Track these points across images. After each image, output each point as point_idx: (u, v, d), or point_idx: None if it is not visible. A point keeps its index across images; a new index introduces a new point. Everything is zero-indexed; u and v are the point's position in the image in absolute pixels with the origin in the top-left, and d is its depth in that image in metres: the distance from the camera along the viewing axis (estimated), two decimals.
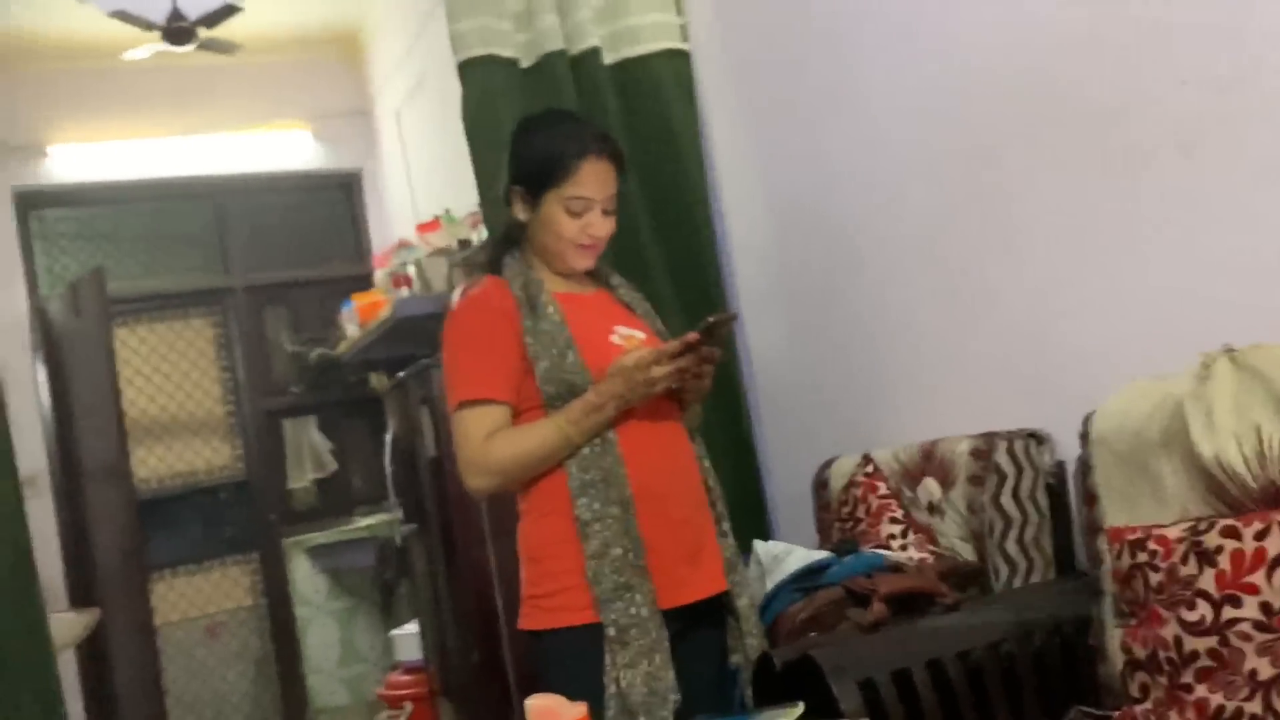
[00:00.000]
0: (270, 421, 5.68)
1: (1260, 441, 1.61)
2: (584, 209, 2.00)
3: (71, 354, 4.90)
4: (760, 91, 3.10)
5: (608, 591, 1.87)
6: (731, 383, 3.09)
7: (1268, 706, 1.46)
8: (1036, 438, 2.27)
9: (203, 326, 5.83)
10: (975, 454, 2.29)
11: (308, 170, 5.79)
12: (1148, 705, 1.60)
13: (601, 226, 2.03)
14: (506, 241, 2.10)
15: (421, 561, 3.69)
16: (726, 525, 2.06)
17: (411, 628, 4.03)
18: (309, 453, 5.71)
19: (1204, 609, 1.52)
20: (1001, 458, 2.25)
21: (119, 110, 5.34)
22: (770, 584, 2.23)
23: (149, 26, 4.68)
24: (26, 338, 5.07)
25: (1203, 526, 1.56)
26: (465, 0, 3.03)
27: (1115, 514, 1.81)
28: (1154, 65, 1.96)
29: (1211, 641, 1.51)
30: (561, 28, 3.11)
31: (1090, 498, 1.93)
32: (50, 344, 5.03)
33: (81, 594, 4.88)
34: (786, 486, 3.11)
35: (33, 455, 4.93)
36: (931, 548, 2.32)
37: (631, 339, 2.02)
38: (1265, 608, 1.47)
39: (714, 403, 2.94)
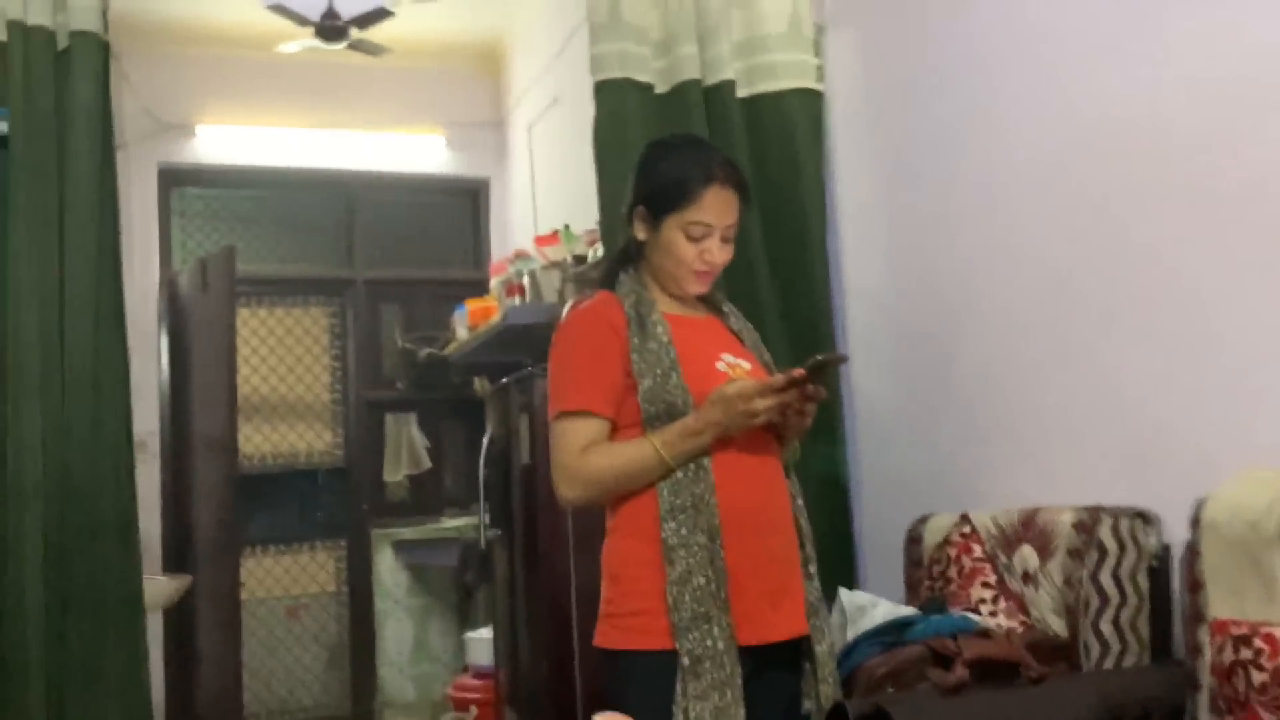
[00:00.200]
0: (373, 413, 5.81)
1: None
2: (703, 235, 2.01)
3: (195, 327, 5.08)
4: (889, 139, 3.08)
5: (686, 620, 1.86)
6: (831, 425, 3.06)
7: None
8: (1144, 517, 2.19)
9: (320, 315, 5.99)
10: (1078, 527, 2.23)
11: (437, 174, 5.93)
12: None
13: (719, 254, 2.03)
14: (623, 259, 2.12)
15: (503, 567, 3.72)
16: (814, 568, 2.03)
17: (485, 632, 4.06)
18: (406, 448, 5.82)
19: None
20: (1105, 534, 2.18)
21: (266, 99, 5.54)
22: (852, 634, 2.20)
23: (304, 22, 4.86)
24: (155, 307, 5.28)
25: None
26: (608, 24, 3.09)
27: (1221, 605, 1.74)
28: None
29: None
30: (699, 58, 3.15)
31: (1195, 585, 1.86)
32: (176, 316, 5.23)
33: (175, 559, 5.04)
34: (877, 537, 3.05)
35: (147, 420, 5.12)
36: (1022, 617, 2.26)
37: (737, 368, 2.02)
38: None
39: (811, 444, 2.92)
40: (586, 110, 3.10)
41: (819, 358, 1.88)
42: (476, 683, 4.00)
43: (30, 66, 2.68)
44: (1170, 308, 2.20)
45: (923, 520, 2.66)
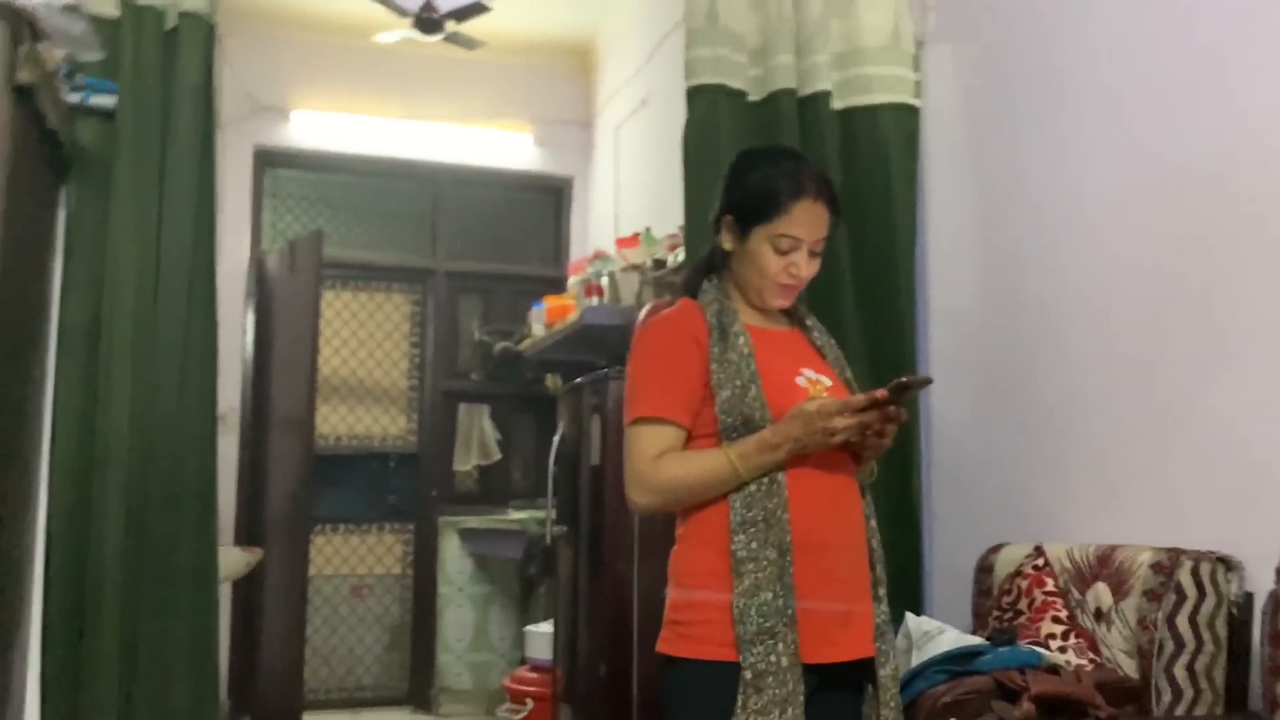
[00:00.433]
0: (447, 402, 5.88)
1: None
2: (791, 248, 1.99)
3: (280, 307, 5.18)
4: (985, 160, 3.03)
5: (751, 633, 1.84)
6: (908, 448, 3.01)
7: None
8: (1226, 563, 2.14)
9: (402, 302, 6.08)
10: (1156, 568, 2.17)
11: (523, 171, 5.98)
12: None
13: (806, 268, 2.02)
14: (708, 267, 2.11)
15: (567, 564, 3.74)
16: (883, 590, 2.00)
17: (546, 627, 4.08)
18: (478, 439, 5.88)
19: None
20: (1185, 577, 2.13)
21: (360, 86, 5.64)
22: (916, 659, 2.17)
23: (403, 13, 4.93)
24: (243, 285, 5.39)
25: None
26: (706, 29, 3.08)
27: None
28: None
29: None
30: (796, 67, 3.13)
31: (1277, 637, 1.80)
32: (263, 294, 5.35)
33: (248, 533, 5.15)
34: (947, 564, 3.01)
35: (228, 395, 5.22)
36: (1092, 656, 2.21)
37: (818, 383, 2.00)
38: None
39: (886, 466, 2.88)
40: (675, 114, 3.10)
41: (903, 379, 1.85)
42: (534, 676, 4.02)
43: (139, 45, 2.74)
44: (1268, 350, 2.13)
45: (995, 550, 2.62)
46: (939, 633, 2.20)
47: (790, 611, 1.85)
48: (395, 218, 6.12)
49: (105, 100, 2.64)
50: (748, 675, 1.82)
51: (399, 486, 5.95)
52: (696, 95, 3.06)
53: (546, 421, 5.10)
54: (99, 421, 2.62)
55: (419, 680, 5.67)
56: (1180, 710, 2.08)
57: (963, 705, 1.99)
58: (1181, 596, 2.12)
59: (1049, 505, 2.69)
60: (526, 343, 5.34)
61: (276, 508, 5.00)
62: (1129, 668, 2.16)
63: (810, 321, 2.17)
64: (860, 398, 1.87)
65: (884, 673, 1.96)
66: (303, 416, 4.85)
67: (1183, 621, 2.11)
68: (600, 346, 4.37)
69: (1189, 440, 2.32)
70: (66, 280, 2.66)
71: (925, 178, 3.23)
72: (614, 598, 3.23)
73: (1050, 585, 2.36)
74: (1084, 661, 2.17)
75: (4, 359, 2.29)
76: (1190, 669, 2.10)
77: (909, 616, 2.31)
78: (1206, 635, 2.11)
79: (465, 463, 5.86)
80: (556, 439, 3.94)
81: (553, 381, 5.57)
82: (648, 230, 4.46)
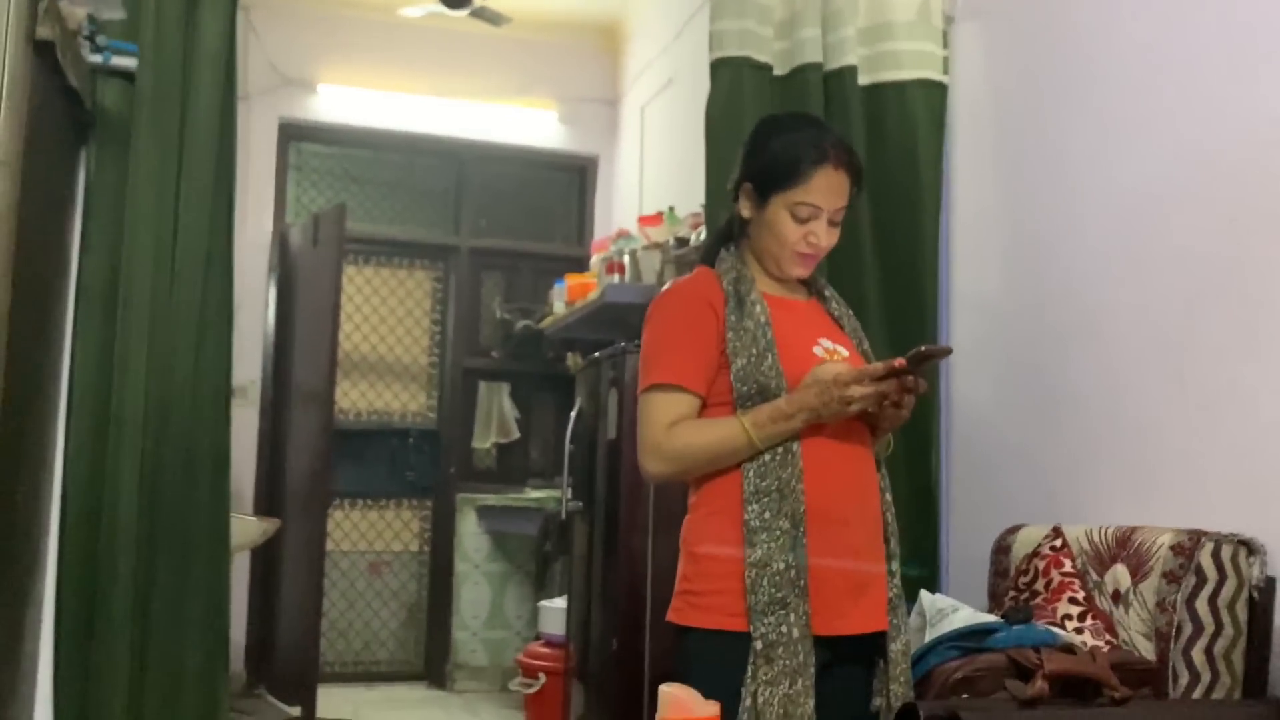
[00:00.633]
0: (467, 380, 5.87)
1: None
2: (810, 216, 1.96)
3: (302, 281, 5.20)
4: (1012, 139, 2.99)
5: (762, 604, 1.83)
6: (927, 425, 2.98)
7: None
8: (1249, 546, 2.10)
9: (424, 278, 6.08)
10: (1176, 549, 2.14)
11: (548, 149, 5.96)
12: None
13: (825, 237, 1.99)
14: (726, 236, 2.09)
15: (581, 540, 3.73)
16: (897, 565, 1.98)
17: (560, 602, 4.08)
18: (497, 417, 5.87)
19: None
20: (1205, 559, 2.09)
21: (387, 61, 5.63)
22: (930, 637, 2.14)
23: None
24: (266, 258, 5.41)
25: None
26: (732, 1, 3.04)
27: None
28: None
29: None
30: (822, 41, 3.08)
31: None
32: (285, 268, 5.36)
33: (267, 505, 5.17)
34: (964, 544, 2.98)
35: (250, 367, 5.26)
36: (1109, 637, 2.18)
37: (835, 353, 1.97)
38: None
39: (905, 443, 2.87)
40: (701, 94, 3.07)
41: (922, 348, 1.83)
42: (547, 651, 4.02)
43: (160, 6, 2.74)
44: None
45: (1013, 530, 2.58)
46: (953, 610, 2.17)
47: (802, 582, 1.84)
48: (419, 194, 6.12)
49: (126, 62, 2.63)
50: (758, 645, 1.81)
51: (418, 463, 5.95)
52: (720, 68, 3.02)
53: (566, 401, 5.09)
54: (115, 384, 2.62)
55: (435, 656, 5.69)
56: (1197, 693, 2.04)
57: (975, 682, 1.96)
58: (1201, 579, 2.08)
59: (1070, 487, 2.66)
60: (547, 321, 5.33)
61: (296, 481, 5.02)
62: (1146, 650, 2.13)
63: (829, 292, 2.14)
64: (878, 366, 1.85)
65: (895, 647, 1.94)
66: (323, 391, 4.86)
67: (1202, 604, 2.08)
68: (621, 325, 4.35)
69: (1214, 424, 2.28)
70: (85, 242, 2.66)
71: (952, 156, 3.18)
72: (628, 573, 3.22)
73: (1068, 566, 2.32)
74: (1100, 643, 2.14)
75: (23, 319, 2.29)
76: (1209, 653, 2.06)
77: (924, 594, 2.28)
78: (1226, 619, 2.07)
79: (484, 440, 5.86)
80: (574, 414, 3.93)
81: (573, 360, 5.55)
82: (671, 209, 4.44)
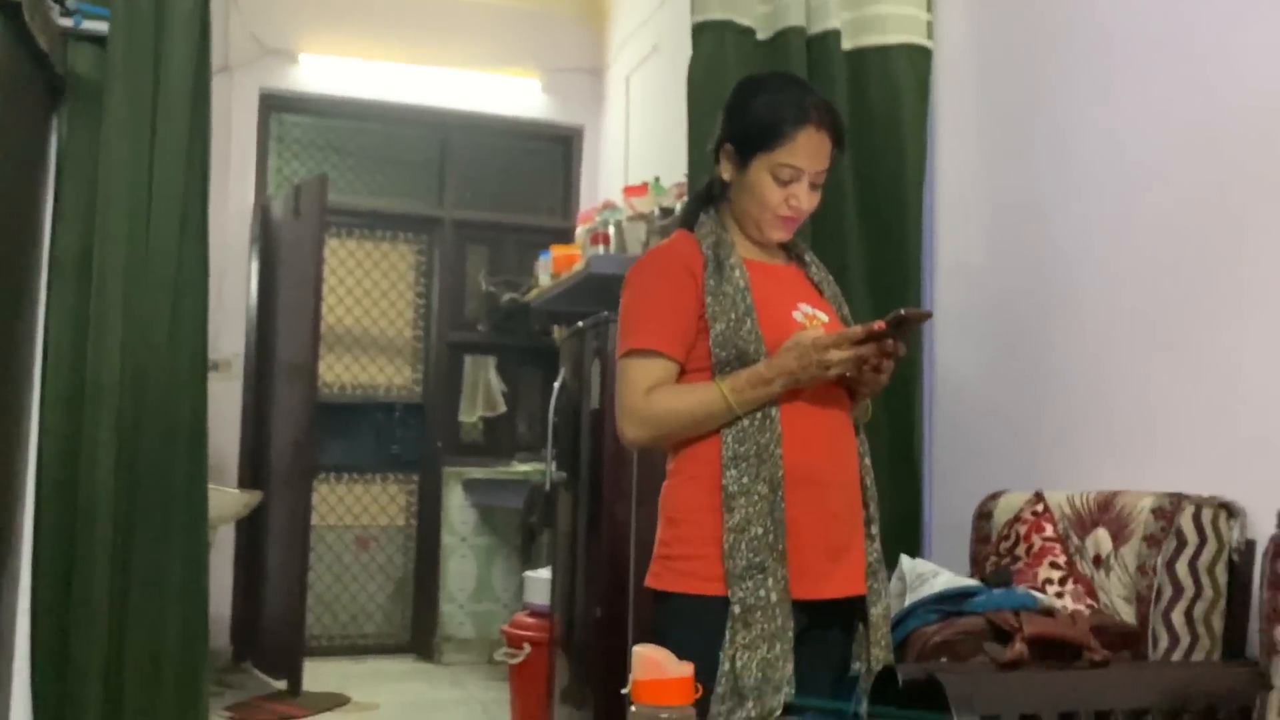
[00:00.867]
0: (453, 354, 5.85)
1: None
2: (791, 178, 1.94)
3: (284, 253, 5.15)
4: (997, 104, 2.97)
5: (740, 568, 1.82)
6: (909, 392, 2.97)
7: None
8: (1229, 509, 2.09)
9: (407, 251, 6.04)
10: (1157, 513, 2.14)
11: (532, 119, 5.91)
12: None
13: (806, 199, 1.97)
14: (705, 199, 2.07)
15: (566, 510, 3.72)
16: (876, 529, 1.97)
17: (545, 572, 4.07)
18: (483, 390, 5.85)
19: None
20: (1186, 523, 2.09)
21: (369, 30, 5.57)
22: (909, 601, 2.14)
23: None
24: (248, 230, 5.36)
25: None
26: None
27: None
28: None
29: None
30: (805, 4, 3.05)
31: (1277, 583, 1.76)
32: (267, 240, 5.31)
33: (252, 478, 5.15)
34: (946, 509, 2.98)
35: (233, 340, 5.23)
36: (1089, 601, 2.17)
37: (814, 318, 1.96)
38: None
39: (887, 410, 2.86)
40: (684, 65, 3.04)
41: (901, 312, 1.81)
42: (532, 621, 4.01)
43: None
44: (1273, 302, 2.08)
45: (994, 496, 2.58)
46: (933, 575, 2.17)
47: (780, 547, 1.83)
48: (402, 165, 6.07)
49: (98, 25, 2.59)
50: (736, 610, 1.80)
51: (404, 437, 5.94)
52: (703, 31, 2.99)
53: (553, 374, 5.04)
54: (90, 352, 2.59)
55: (422, 629, 5.68)
56: (1177, 655, 2.04)
57: (954, 645, 1.96)
58: (1182, 542, 2.08)
59: (1052, 452, 2.65)
60: (533, 293, 5.29)
61: (280, 454, 5.00)
62: (1126, 613, 2.13)
63: (809, 257, 2.12)
64: (857, 329, 1.83)
65: (875, 611, 1.94)
66: (306, 363, 4.83)
67: (1182, 567, 2.08)
68: (606, 296, 4.30)
69: (1195, 388, 2.27)
70: (58, 209, 2.62)
71: (937, 122, 3.16)
72: (611, 542, 3.21)
73: (1049, 531, 2.32)
74: (1080, 606, 2.14)
75: None
76: (1188, 615, 2.06)
77: (904, 559, 2.28)
78: (1206, 581, 2.07)
79: (470, 414, 5.84)
80: (557, 385, 3.91)
81: (559, 333, 5.53)
82: (656, 180, 4.40)
